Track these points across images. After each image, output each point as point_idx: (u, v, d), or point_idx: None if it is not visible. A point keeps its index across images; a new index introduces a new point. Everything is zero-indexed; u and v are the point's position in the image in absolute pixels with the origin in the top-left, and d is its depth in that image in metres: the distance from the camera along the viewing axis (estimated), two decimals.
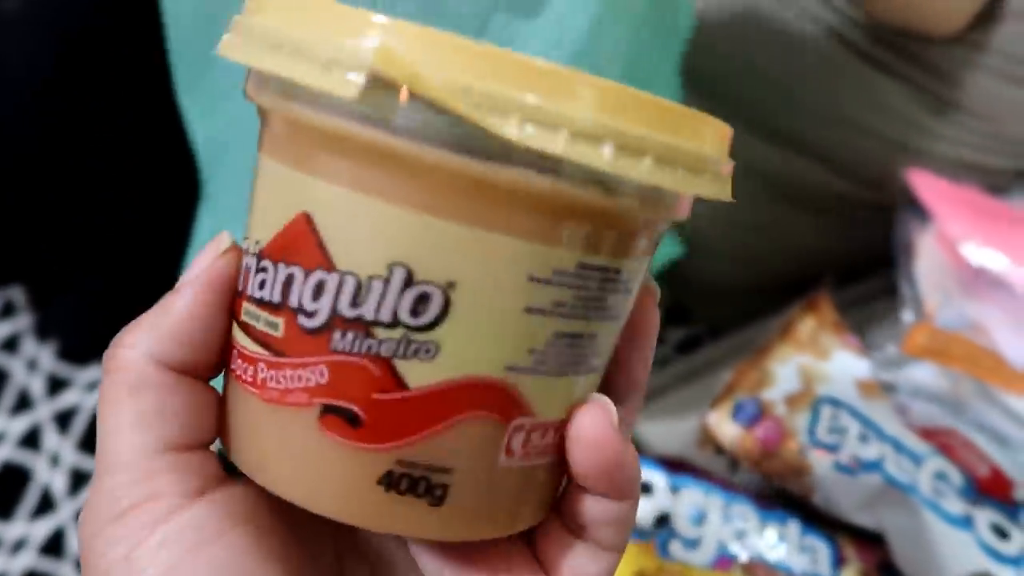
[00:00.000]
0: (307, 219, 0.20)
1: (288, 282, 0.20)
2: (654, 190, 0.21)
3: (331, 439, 0.20)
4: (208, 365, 0.23)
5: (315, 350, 0.20)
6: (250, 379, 0.22)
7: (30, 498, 0.71)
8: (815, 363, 0.53)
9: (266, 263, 0.21)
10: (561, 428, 0.22)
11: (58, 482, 0.71)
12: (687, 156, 0.20)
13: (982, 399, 0.51)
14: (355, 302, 0.20)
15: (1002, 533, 0.47)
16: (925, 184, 0.56)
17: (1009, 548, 0.46)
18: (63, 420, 0.74)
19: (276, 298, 0.21)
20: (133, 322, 0.22)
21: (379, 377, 0.20)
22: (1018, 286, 0.51)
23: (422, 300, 0.20)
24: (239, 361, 0.22)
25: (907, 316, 0.54)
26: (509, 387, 0.21)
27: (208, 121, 0.55)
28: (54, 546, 0.69)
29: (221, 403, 0.23)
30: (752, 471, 0.52)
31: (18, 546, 0.69)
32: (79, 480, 0.71)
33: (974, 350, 0.51)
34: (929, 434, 0.51)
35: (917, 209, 0.56)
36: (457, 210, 0.19)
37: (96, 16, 0.66)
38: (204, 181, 0.57)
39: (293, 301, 0.20)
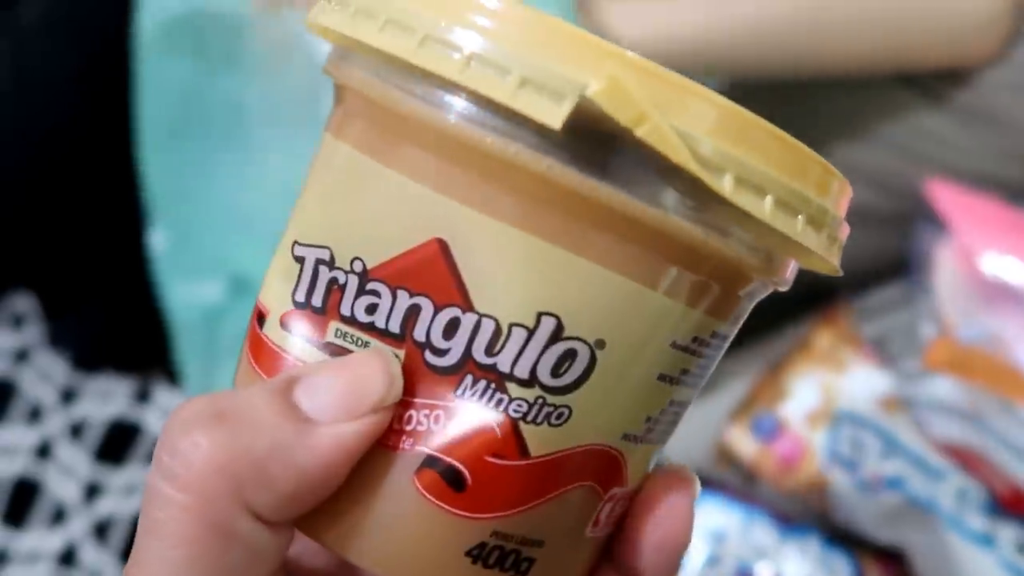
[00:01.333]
0: (442, 247, 0.17)
1: (413, 312, 0.18)
2: (781, 246, 0.19)
3: (425, 498, 0.18)
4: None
5: (437, 392, 0.18)
6: None
7: (43, 510, 0.71)
8: (834, 378, 0.53)
9: (377, 286, 0.18)
10: (632, 495, 0.20)
11: (71, 493, 0.71)
12: (825, 216, 0.19)
13: (1003, 414, 0.50)
14: (490, 350, 0.17)
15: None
16: (944, 195, 0.55)
17: None
18: (76, 431, 0.74)
19: (395, 327, 0.18)
20: (213, 410, 0.17)
21: (500, 439, 0.18)
22: None
23: (566, 358, 0.17)
24: None
25: (927, 330, 0.53)
26: (619, 457, 0.19)
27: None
28: (67, 558, 0.69)
29: None
30: (771, 488, 0.51)
31: (32, 558, 0.69)
32: (92, 491, 0.71)
33: (995, 364, 0.50)
34: (950, 450, 0.50)
35: (936, 220, 0.56)
36: (626, 261, 0.17)
37: (116, 26, 0.66)
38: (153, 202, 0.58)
39: (419, 334, 0.18)
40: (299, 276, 0.19)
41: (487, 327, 0.17)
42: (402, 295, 0.18)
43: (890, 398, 0.52)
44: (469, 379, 0.17)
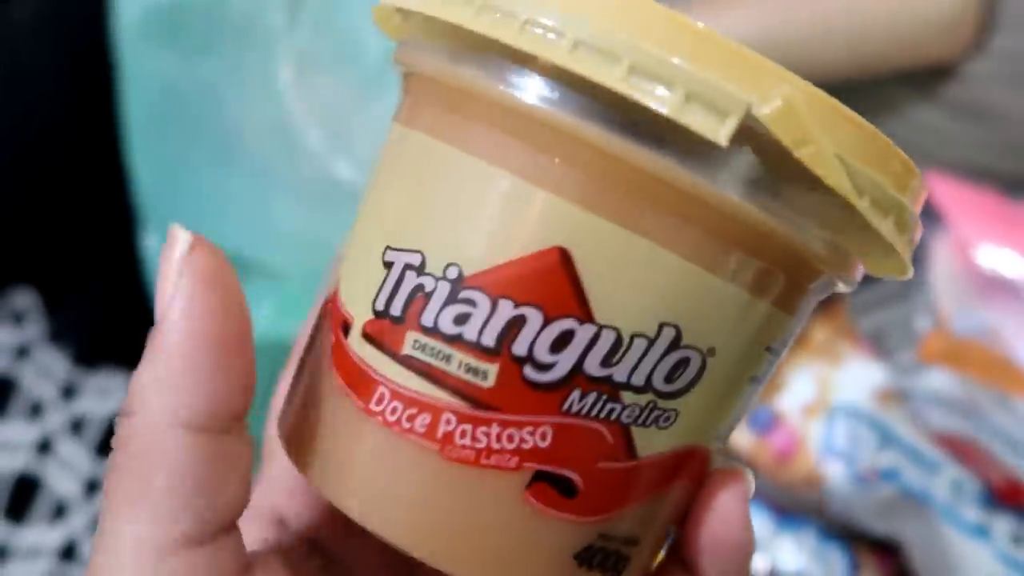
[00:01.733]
0: (563, 256, 0.17)
1: (515, 324, 0.17)
2: (859, 242, 0.19)
3: (536, 509, 0.17)
4: (239, 411, 0.18)
5: (540, 408, 0.17)
6: (423, 431, 0.17)
7: (44, 505, 0.71)
8: (830, 371, 0.53)
9: (474, 295, 0.17)
10: None
11: (72, 489, 0.71)
12: (901, 210, 0.18)
13: (999, 406, 0.50)
14: (608, 361, 0.17)
15: (1020, 542, 0.46)
16: (940, 188, 0.55)
17: None
18: (76, 427, 0.74)
19: (490, 341, 0.17)
20: (133, 383, 0.18)
21: (611, 445, 0.17)
22: None
23: (681, 365, 0.17)
24: (395, 404, 0.18)
25: (922, 322, 0.53)
26: (709, 455, 0.19)
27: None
28: (68, 553, 0.69)
29: (328, 447, 0.18)
30: (767, 480, 0.51)
31: (33, 553, 0.69)
32: (93, 487, 0.71)
33: (990, 357, 0.50)
34: (945, 442, 0.50)
35: (932, 214, 0.56)
36: (736, 269, 0.17)
37: (106, 22, 0.66)
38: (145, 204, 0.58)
39: (519, 349, 0.17)
40: (383, 283, 0.18)
41: (607, 338, 0.17)
42: (504, 305, 0.17)
43: (886, 391, 0.52)
44: (577, 393, 0.17)
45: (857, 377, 0.52)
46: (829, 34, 0.52)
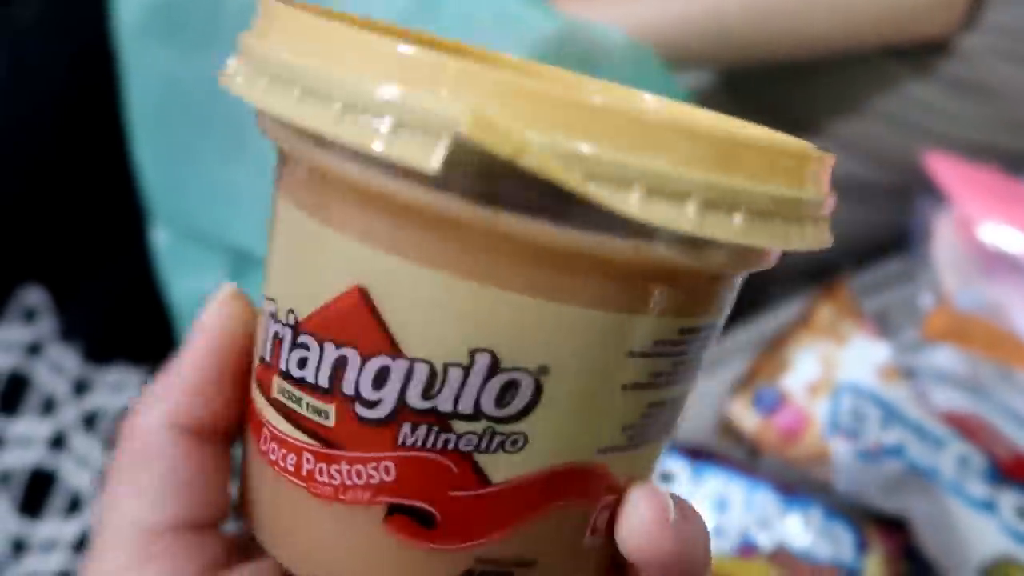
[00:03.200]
0: (362, 295, 0.17)
1: (340, 366, 0.17)
2: (747, 248, 0.18)
3: (399, 540, 0.18)
4: (227, 428, 0.21)
5: (378, 444, 0.17)
6: (292, 469, 0.18)
7: (59, 499, 0.72)
8: (834, 350, 0.53)
9: (306, 339, 0.18)
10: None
11: (86, 483, 0.72)
12: (775, 203, 0.17)
13: (1003, 382, 0.51)
14: (428, 393, 0.17)
15: None
16: (942, 167, 0.55)
17: None
18: (89, 422, 0.75)
19: (324, 383, 0.18)
20: (145, 390, 0.21)
21: (457, 474, 0.17)
22: None
23: (509, 388, 0.17)
24: (273, 445, 0.19)
25: (925, 300, 0.54)
26: (600, 469, 0.18)
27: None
28: (83, 545, 0.70)
29: (244, 483, 0.20)
30: (774, 459, 0.52)
31: (49, 546, 0.70)
32: None
33: (994, 332, 0.51)
34: (951, 418, 0.51)
35: (935, 193, 0.56)
36: (549, 286, 0.17)
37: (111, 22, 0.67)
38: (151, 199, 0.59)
39: (347, 388, 0.17)
40: (263, 326, 0.19)
41: (420, 371, 0.17)
42: (329, 347, 0.17)
43: (890, 368, 0.52)
44: (408, 427, 0.17)
45: (861, 355, 0.53)
46: (813, 5, 0.52)
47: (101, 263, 0.74)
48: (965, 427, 0.50)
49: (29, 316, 0.79)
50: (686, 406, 0.20)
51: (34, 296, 0.79)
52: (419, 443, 0.17)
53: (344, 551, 0.18)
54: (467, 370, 0.17)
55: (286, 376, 0.18)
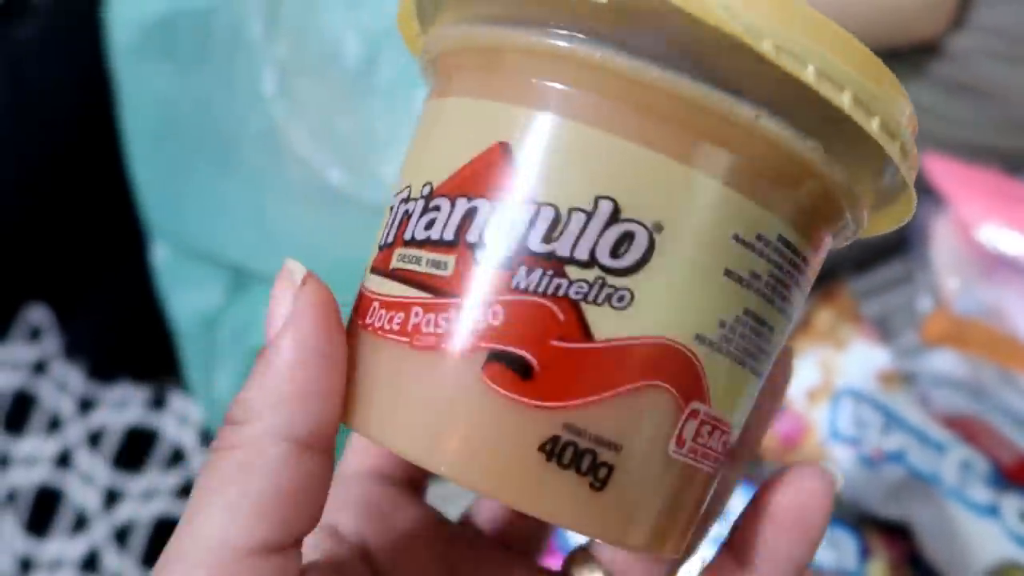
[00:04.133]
0: (503, 148, 0.18)
1: (468, 216, 0.18)
2: (863, 166, 0.19)
3: (494, 392, 0.18)
4: (335, 430, 0.19)
5: (492, 289, 0.18)
6: (397, 327, 0.19)
7: (65, 518, 0.72)
8: (833, 355, 0.53)
9: (440, 201, 0.19)
10: (727, 434, 0.20)
11: (92, 500, 0.72)
12: (901, 129, 0.19)
13: (1004, 384, 0.50)
14: (549, 236, 0.18)
15: None
16: (939, 168, 0.55)
17: None
18: (94, 439, 0.75)
19: (449, 235, 0.19)
20: (242, 395, 0.19)
21: (563, 322, 0.18)
22: None
23: (626, 239, 0.18)
24: (380, 312, 0.19)
25: (924, 303, 0.53)
26: (694, 360, 0.18)
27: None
28: (90, 564, 0.70)
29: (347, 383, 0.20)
30: (775, 467, 0.51)
31: (55, 565, 0.70)
32: (112, 498, 0.72)
33: (993, 335, 0.50)
34: (953, 422, 0.50)
35: (932, 195, 0.56)
36: (677, 145, 0.18)
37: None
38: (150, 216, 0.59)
39: (472, 236, 0.18)
40: (386, 222, 0.20)
41: (546, 215, 0.18)
42: (460, 203, 0.19)
43: (890, 373, 0.52)
44: (523, 270, 0.18)
45: (861, 360, 0.52)
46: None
47: (103, 280, 0.74)
48: (967, 431, 0.50)
49: (34, 335, 0.80)
50: (773, 353, 0.20)
51: (38, 315, 0.80)
52: (532, 287, 0.18)
53: (437, 404, 0.18)
54: (589, 216, 0.18)
55: (409, 243, 0.19)
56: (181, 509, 0.69)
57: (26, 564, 0.70)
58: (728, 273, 0.18)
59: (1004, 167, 0.59)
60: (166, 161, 0.60)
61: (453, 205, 0.19)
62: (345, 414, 0.19)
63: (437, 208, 0.19)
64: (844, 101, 0.18)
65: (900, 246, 0.61)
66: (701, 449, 0.19)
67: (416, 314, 0.19)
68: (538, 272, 0.18)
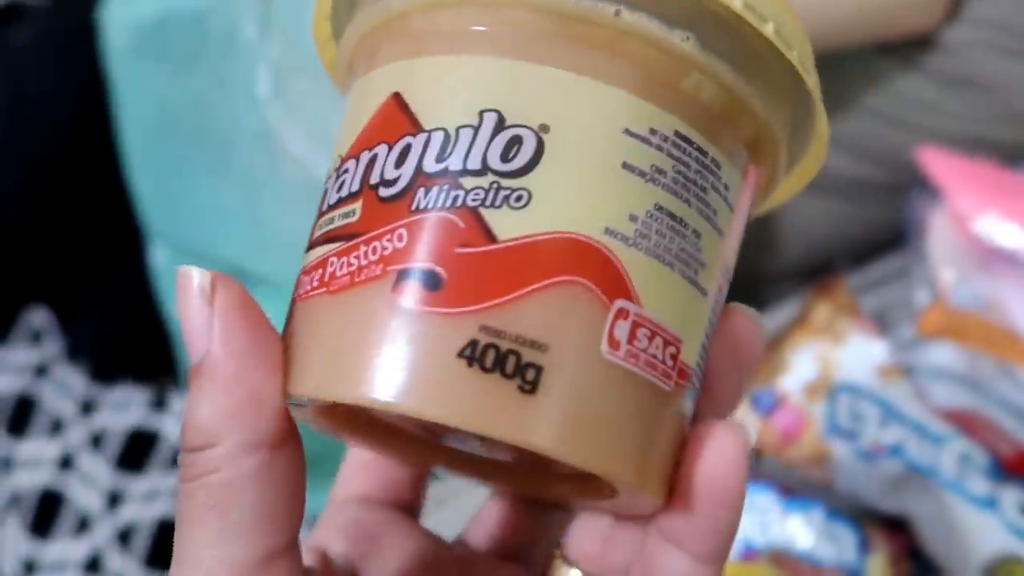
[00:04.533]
0: (395, 97, 0.19)
1: (370, 163, 0.19)
2: (762, 73, 0.20)
3: (406, 310, 0.18)
4: (291, 424, 0.19)
5: (394, 216, 0.19)
6: (316, 283, 0.19)
7: (68, 519, 0.72)
8: (831, 349, 0.53)
9: (347, 164, 0.20)
10: (674, 346, 0.19)
11: (94, 502, 0.72)
12: (802, 44, 0.20)
13: (1002, 377, 0.50)
14: (441, 156, 0.19)
15: None
16: (935, 161, 0.55)
17: None
18: (96, 441, 0.75)
19: (355, 186, 0.19)
20: (192, 419, 0.19)
21: (464, 229, 0.18)
22: None
23: (513, 143, 0.18)
24: (304, 278, 0.20)
25: (920, 296, 0.53)
26: (608, 254, 0.18)
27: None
28: (93, 565, 0.70)
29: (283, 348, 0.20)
30: (774, 461, 0.51)
31: (59, 567, 0.70)
32: (114, 500, 0.73)
33: (990, 328, 0.50)
34: (951, 415, 0.50)
35: (929, 188, 0.56)
36: (551, 54, 0.19)
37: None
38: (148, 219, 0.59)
39: (374, 178, 0.19)
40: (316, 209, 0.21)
41: (437, 138, 0.19)
42: (364, 156, 0.20)
43: (888, 366, 0.52)
44: (421, 191, 0.19)
45: (859, 354, 0.52)
46: (800, 5, 0.52)
47: (103, 283, 0.74)
48: (965, 423, 0.50)
49: (35, 338, 0.80)
50: (714, 268, 0.20)
51: (39, 318, 0.80)
52: (431, 204, 0.18)
53: (356, 337, 0.18)
54: (476, 129, 0.19)
55: (326, 211, 0.20)
56: None
57: (30, 566, 0.70)
58: (626, 166, 0.19)
59: (1001, 159, 0.59)
60: (162, 163, 0.60)
61: (357, 160, 0.20)
62: (285, 386, 0.19)
63: (346, 171, 0.20)
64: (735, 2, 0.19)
65: (897, 239, 0.61)
66: (643, 355, 0.19)
67: (331, 263, 0.19)
68: (435, 189, 0.18)
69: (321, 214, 0.20)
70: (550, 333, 0.18)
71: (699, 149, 0.20)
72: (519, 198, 0.18)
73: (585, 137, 0.19)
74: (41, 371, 0.78)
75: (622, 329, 0.18)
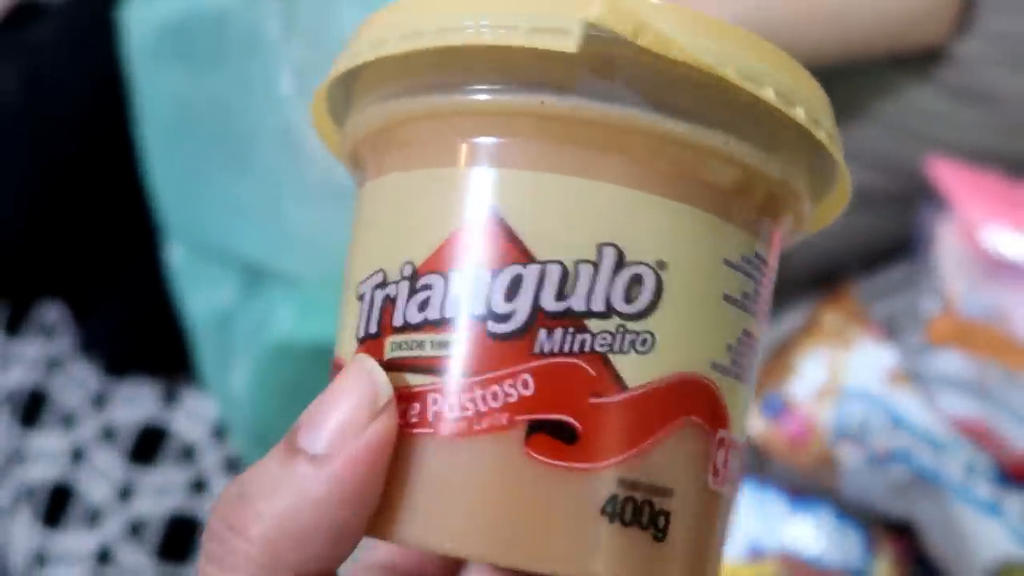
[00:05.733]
0: (493, 214, 0.18)
1: (469, 288, 0.18)
2: (807, 167, 0.20)
3: (544, 465, 0.17)
4: (344, 557, 0.17)
5: (513, 358, 0.17)
6: (416, 419, 0.18)
7: (79, 512, 0.73)
8: (840, 355, 0.54)
9: (428, 279, 0.18)
10: (741, 454, 0.20)
11: (106, 495, 0.73)
12: (822, 113, 0.20)
13: (1010, 386, 0.51)
14: (562, 293, 0.17)
15: None
16: (944, 172, 0.56)
17: None
18: (108, 435, 0.76)
19: (449, 312, 0.18)
20: (239, 489, 0.17)
21: (596, 377, 0.17)
22: None
23: (635, 283, 0.18)
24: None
25: (929, 305, 0.54)
26: (715, 388, 0.18)
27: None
28: (104, 557, 0.71)
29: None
30: (782, 465, 0.52)
31: (70, 558, 0.71)
32: (125, 493, 0.73)
33: (998, 338, 0.51)
34: (958, 423, 0.51)
35: (938, 198, 0.57)
36: (664, 182, 0.18)
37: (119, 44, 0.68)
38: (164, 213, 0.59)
39: (478, 309, 0.18)
40: (359, 314, 0.19)
41: (553, 272, 0.17)
42: (456, 276, 0.18)
43: (896, 373, 0.53)
44: (543, 333, 0.17)
45: (868, 361, 0.53)
46: (811, 19, 0.53)
47: (119, 279, 0.75)
48: (972, 431, 0.51)
49: (48, 333, 0.81)
50: (757, 362, 0.20)
51: (53, 313, 0.81)
52: (556, 348, 0.17)
53: (486, 491, 0.17)
54: (596, 265, 0.18)
55: (403, 328, 0.18)
56: (194, 504, 0.70)
57: (41, 558, 0.71)
58: (727, 298, 0.19)
59: (1009, 171, 0.59)
60: (182, 160, 0.61)
61: (447, 280, 0.18)
62: (374, 526, 0.18)
63: (428, 287, 0.18)
64: (799, 114, 0.19)
65: (907, 248, 0.61)
66: (729, 475, 0.19)
67: (434, 401, 0.18)
68: (559, 331, 0.17)
69: (389, 328, 0.18)
70: (674, 477, 0.18)
71: (764, 261, 0.20)
72: (644, 342, 0.18)
73: (696, 271, 0.18)
74: (54, 365, 0.79)
75: (721, 458, 0.19)
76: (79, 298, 0.78)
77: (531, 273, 0.17)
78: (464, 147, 0.18)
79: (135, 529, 0.71)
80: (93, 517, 0.71)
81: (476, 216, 0.18)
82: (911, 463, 0.48)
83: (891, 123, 0.61)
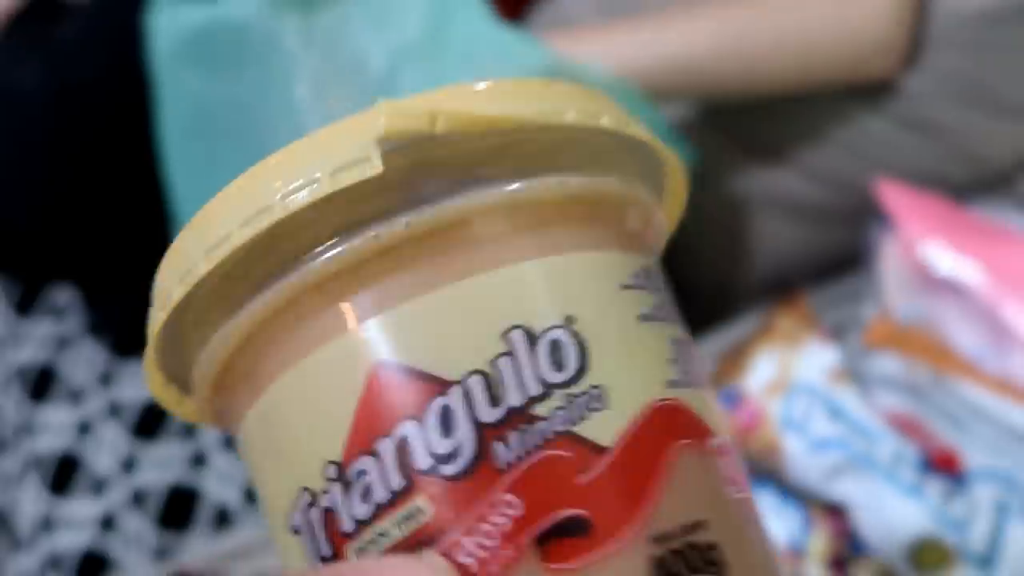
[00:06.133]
0: (377, 367, 0.17)
1: (403, 448, 0.16)
2: (647, 173, 0.20)
3: (570, 572, 0.16)
4: None
5: (484, 488, 0.16)
6: None
7: (85, 481, 0.77)
8: (790, 354, 0.59)
9: (360, 463, 0.16)
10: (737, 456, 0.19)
11: (111, 466, 0.77)
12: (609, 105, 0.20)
13: (936, 387, 0.57)
14: (495, 398, 0.16)
15: (950, 501, 0.53)
16: (890, 193, 0.62)
17: (954, 512, 0.52)
18: (114, 411, 0.80)
19: (396, 483, 0.16)
20: None
21: (573, 457, 0.16)
22: (968, 285, 0.57)
23: (556, 349, 0.17)
24: None
25: (870, 311, 0.60)
26: (682, 405, 0.18)
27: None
28: (108, 523, 0.75)
29: None
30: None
31: (76, 523, 0.75)
32: (129, 465, 0.78)
33: (929, 343, 0.57)
34: (891, 417, 0.57)
35: (883, 216, 0.63)
36: (528, 246, 0.18)
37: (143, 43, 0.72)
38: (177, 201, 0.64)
39: (422, 462, 0.16)
40: (302, 546, 0.17)
41: (475, 384, 0.16)
42: (384, 445, 0.16)
43: (839, 371, 0.58)
44: (499, 446, 0.16)
45: (814, 360, 0.59)
46: (771, 48, 0.59)
47: (131, 266, 0.79)
48: (902, 424, 0.57)
49: (58, 313, 0.85)
50: (700, 362, 0.20)
51: (64, 295, 0.85)
52: (519, 453, 0.16)
53: None
54: (511, 354, 0.17)
55: (357, 527, 0.17)
56: (194, 477, 0.75)
57: (48, 523, 0.75)
58: (643, 317, 0.18)
59: (950, 194, 0.66)
60: (198, 160, 0.65)
61: (377, 455, 0.16)
62: None
63: (363, 472, 0.16)
64: (606, 122, 0.18)
65: (857, 260, 0.67)
66: (741, 477, 0.19)
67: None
68: (514, 436, 0.16)
69: (339, 537, 0.17)
70: (699, 506, 0.17)
71: (647, 270, 0.19)
72: (597, 398, 0.17)
73: (606, 310, 0.18)
74: (63, 344, 0.84)
75: (727, 465, 0.18)
76: (91, 283, 0.82)
77: (454, 397, 0.16)
78: (331, 317, 0.17)
79: (137, 498, 0.75)
80: (98, 486, 0.76)
81: (374, 374, 0.17)
82: (846, 449, 0.54)
83: (846, 146, 0.67)
